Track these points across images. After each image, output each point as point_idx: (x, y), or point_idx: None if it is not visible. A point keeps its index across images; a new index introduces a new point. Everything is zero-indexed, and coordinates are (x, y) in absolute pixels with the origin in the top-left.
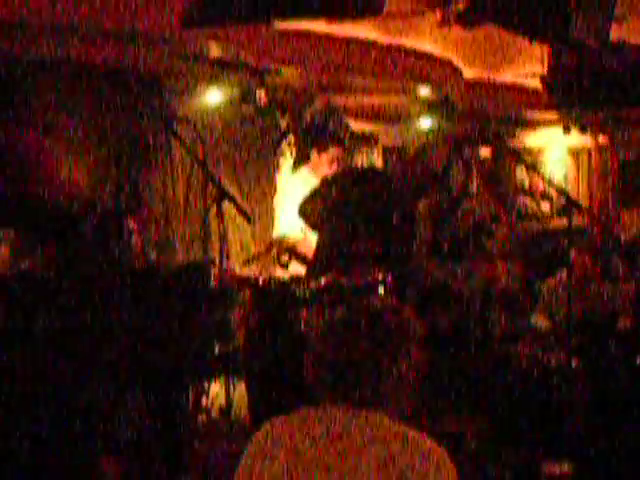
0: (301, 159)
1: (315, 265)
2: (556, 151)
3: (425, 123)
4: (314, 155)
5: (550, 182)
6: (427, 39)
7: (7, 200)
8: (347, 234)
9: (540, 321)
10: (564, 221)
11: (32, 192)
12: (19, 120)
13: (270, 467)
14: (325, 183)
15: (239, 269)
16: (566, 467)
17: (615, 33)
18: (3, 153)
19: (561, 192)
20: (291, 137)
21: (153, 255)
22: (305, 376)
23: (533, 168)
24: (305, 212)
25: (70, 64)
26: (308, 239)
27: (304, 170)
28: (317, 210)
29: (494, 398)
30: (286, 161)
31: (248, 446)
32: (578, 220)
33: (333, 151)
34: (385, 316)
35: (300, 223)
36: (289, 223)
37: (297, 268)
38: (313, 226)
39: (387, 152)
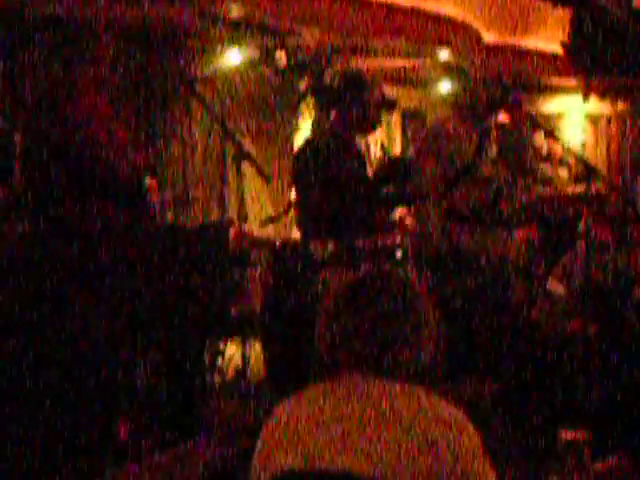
0: (319, 120)
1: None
2: (575, 117)
3: (445, 87)
4: (333, 116)
5: (568, 149)
6: (447, 2)
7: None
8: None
9: (556, 287)
10: (581, 188)
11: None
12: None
13: (291, 441)
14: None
15: (257, 230)
16: (582, 434)
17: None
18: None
19: (579, 159)
20: (310, 98)
21: (171, 214)
22: (319, 340)
23: (551, 134)
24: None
25: (96, 23)
26: None
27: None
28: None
29: (510, 364)
30: (305, 123)
31: (268, 421)
32: (595, 187)
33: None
34: (396, 282)
35: None
36: None
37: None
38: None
39: (405, 116)
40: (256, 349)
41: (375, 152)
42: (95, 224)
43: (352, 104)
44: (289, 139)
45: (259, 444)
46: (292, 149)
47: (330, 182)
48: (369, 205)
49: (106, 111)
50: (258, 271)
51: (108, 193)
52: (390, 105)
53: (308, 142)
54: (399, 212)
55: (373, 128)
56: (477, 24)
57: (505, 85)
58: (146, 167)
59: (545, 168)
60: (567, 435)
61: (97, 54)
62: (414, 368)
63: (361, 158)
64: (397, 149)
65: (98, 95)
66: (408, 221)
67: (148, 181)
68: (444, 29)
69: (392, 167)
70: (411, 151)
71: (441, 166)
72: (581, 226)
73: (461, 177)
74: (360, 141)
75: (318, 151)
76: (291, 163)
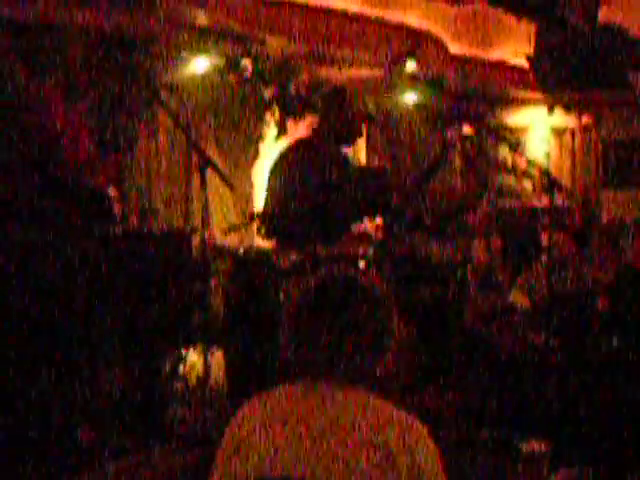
0: (284, 129)
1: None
2: (539, 130)
3: (410, 98)
4: (290, 124)
5: (532, 161)
6: (413, 13)
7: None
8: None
9: (519, 299)
10: (545, 200)
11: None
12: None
13: (252, 448)
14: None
15: (220, 238)
16: (544, 446)
17: (603, 14)
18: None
19: (543, 172)
20: (275, 107)
21: (135, 222)
22: (281, 347)
23: (515, 147)
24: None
25: (62, 30)
26: None
27: (287, 140)
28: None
29: (471, 375)
30: (270, 131)
31: (228, 427)
32: (559, 200)
33: (309, 119)
34: (358, 286)
35: None
36: None
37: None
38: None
39: (370, 127)
40: (218, 357)
41: None
42: (55, 232)
43: (336, 116)
44: (254, 148)
45: (219, 451)
46: (257, 158)
47: (307, 193)
48: (339, 215)
49: (72, 119)
50: (221, 279)
51: (72, 201)
52: (370, 119)
53: (285, 154)
54: (370, 223)
55: (355, 140)
56: (443, 35)
57: (470, 97)
58: (110, 176)
59: (509, 180)
60: (527, 447)
61: (63, 61)
62: (375, 376)
63: (342, 169)
64: (362, 159)
65: (63, 103)
66: (379, 232)
67: (111, 191)
68: (410, 40)
69: (361, 177)
70: (377, 161)
71: (408, 176)
72: (544, 238)
73: (421, 185)
74: (342, 152)
75: (297, 162)
76: (253, 172)
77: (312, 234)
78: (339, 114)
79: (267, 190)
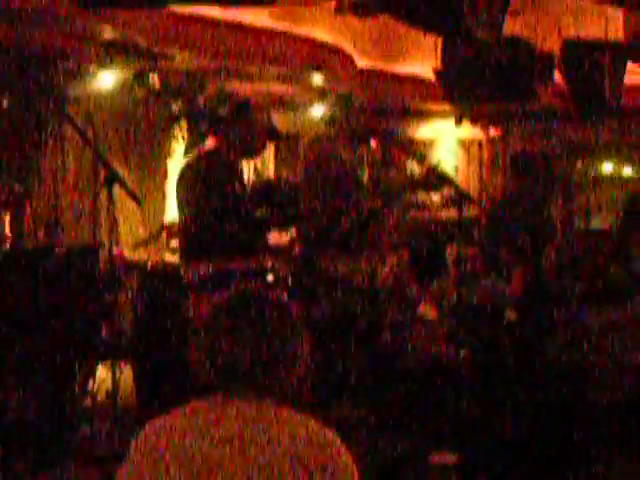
0: (193, 143)
1: (195, 248)
2: (447, 142)
3: (318, 111)
4: (210, 140)
5: (440, 173)
6: (321, 27)
7: None
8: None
9: (428, 311)
10: (453, 212)
11: None
12: None
13: (156, 468)
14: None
15: (128, 253)
16: (452, 457)
17: (509, 27)
18: None
19: (451, 183)
20: (183, 121)
21: (42, 237)
22: (190, 362)
23: (421, 160)
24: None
25: None
26: None
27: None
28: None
29: (381, 387)
30: (178, 145)
31: (131, 446)
32: (467, 212)
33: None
34: (267, 302)
35: None
36: None
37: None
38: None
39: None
40: (126, 372)
41: (249, 175)
42: None
43: (239, 130)
44: (162, 162)
45: (124, 468)
46: (165, 171)
47: (209, 204)
48: (244, 228)
49: None
50: (129, 293)
51: None
52: (276, 135)
53: (190, 165)
54: (285, 236)
55: (258, 153)
56: (351, 49)
57: (378, 111)
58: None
59: (418, 193)
60: (437, 458)
61: None
62: (283, 389)
63: (242, 181)
64: (270, 172)
65: None
66: (296, 246)
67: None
68: (317, 53)
69: (267, 190)
70: (287, 174)
71: (326, 189)
72: (452, 250)
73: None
74: (242, 165)
75: (200, 174)
76: (165, 185)
77: (220, 247)
78: (242, 127)
79: (177, 202)
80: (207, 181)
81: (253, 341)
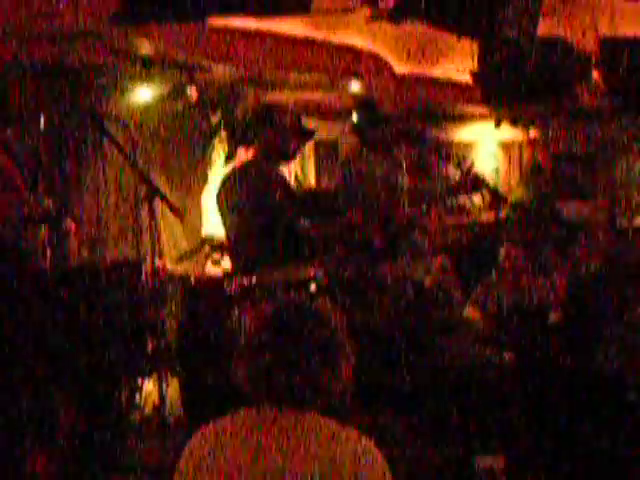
0: (232, 155)
1: (240, 259)
2: (488, 145)
3: (355, 118)
4: (242, 150)
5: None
6: (357, 35)
7: None
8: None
9: (473, 314)
10: (494, 215)
11: None
12: None
13: (207, 474)
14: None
15: (171, 266)
16: (499, 461)
17: (544, 27)
18: None
19: (488, 187)
20: (222, 133)
21: (86, 254)
22: (235, 374)
23: (459, 164)
24: (219, 201)
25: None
26: None
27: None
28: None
29: (427, 392)
30: (218, 157)
31: (183, 452)
32: (510, 213)
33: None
34: (309, 313)
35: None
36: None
37: (229, 265)
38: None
39: (320, 146)
40: (173, 385)
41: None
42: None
43: (267, 135)
44: (203, 174)
45: (175, 476)
46: (206, 184)
47: (248, 216)
48: (288, 238)
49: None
50: (173, 307)
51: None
52: (308, 133)
53: (228, 177)
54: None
55: (293, 156)
56: (388, 55)
57: (416, 115)
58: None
59: (458, 197)
60: (483, 462)
61: (7, 93)
62: (329, 399)
63: (286, 189)
64: (311, 180)
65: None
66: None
67: (68, 223)
68: (354, 61)
69: (312, 200)
70: (327, 182)
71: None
72: (498, 253)
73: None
74: (283, 171)
75: (241, 183)
76: (203, 198)
77: (262, 257)
78: (269, 132)
79: (219, 215)
80: (245, 192)
81: (296, 353)
